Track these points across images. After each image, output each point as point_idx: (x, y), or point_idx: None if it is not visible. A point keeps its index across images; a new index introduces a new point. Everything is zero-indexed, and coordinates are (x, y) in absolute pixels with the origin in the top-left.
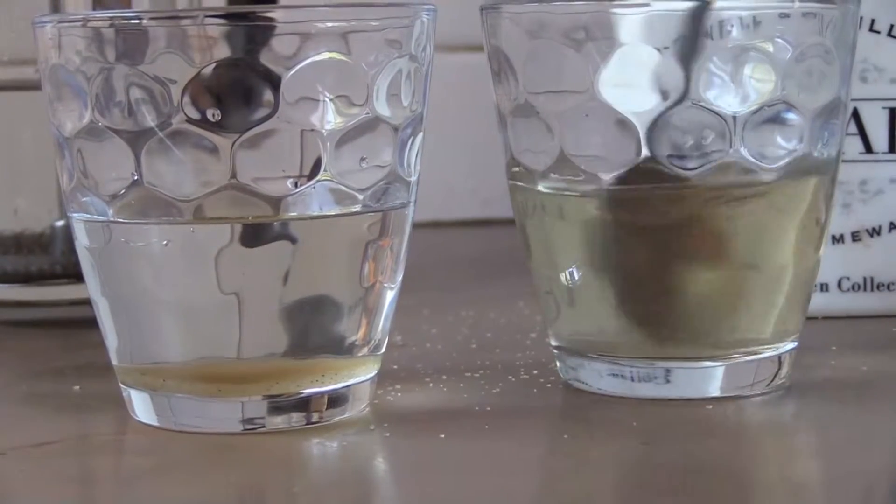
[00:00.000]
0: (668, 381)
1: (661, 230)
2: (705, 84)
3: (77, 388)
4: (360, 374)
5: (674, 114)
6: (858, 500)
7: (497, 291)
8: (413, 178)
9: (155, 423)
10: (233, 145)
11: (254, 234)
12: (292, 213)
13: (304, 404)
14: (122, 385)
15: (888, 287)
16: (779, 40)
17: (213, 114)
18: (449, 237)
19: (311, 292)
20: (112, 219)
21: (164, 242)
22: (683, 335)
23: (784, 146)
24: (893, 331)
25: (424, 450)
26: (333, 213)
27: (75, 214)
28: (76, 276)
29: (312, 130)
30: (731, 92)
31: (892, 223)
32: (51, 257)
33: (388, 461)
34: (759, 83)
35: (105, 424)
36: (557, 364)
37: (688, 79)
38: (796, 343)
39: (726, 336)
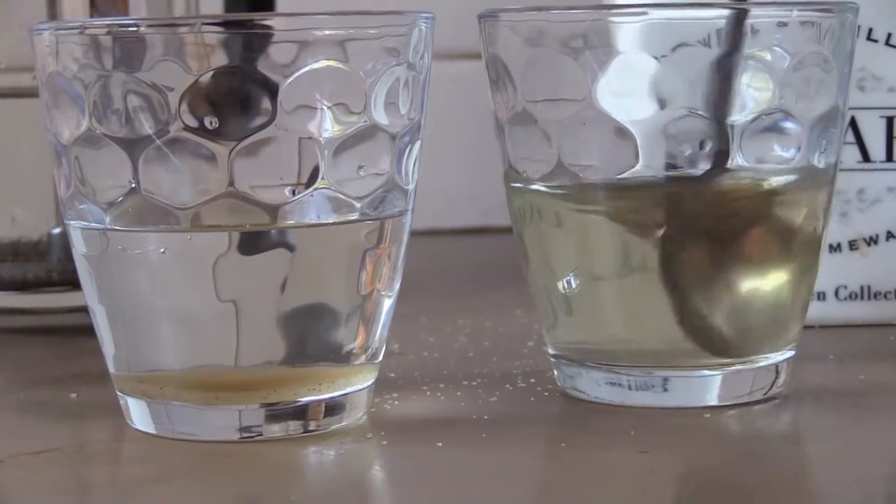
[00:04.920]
0: (665, 390)
1: (658, 239)
2: (703, 92)
3: (74, 395)
4: (357, 383)
5: (672, 122)
6: None
7: (495, 300)
8: (411, 186)
9: (152, 431)
10: (230, 153)
11: (251, 242)
12: (290, 221)
13: (301, 412)
14: (119, 393)
15: (885, 296)
16: (776, 49)
17: (210, 121)
18: (446, 245)
19: (309, 300)
20: (109, 226)
21: (162, 250)
22: (681, 343)
23: (782, 155)
24: (891, 340)
25: (422, 458)
26: (331, 221)
27: (72, 222)
28: (73, 284)
29: (310, 138)
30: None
31: (889, 232)
32: (47, 265)
33: (386, 469)
34: (756, 92)
35: (102, 432)
36: (555, 372)
37: (730, 91)
38: (794, 352)
39: (718, 347)
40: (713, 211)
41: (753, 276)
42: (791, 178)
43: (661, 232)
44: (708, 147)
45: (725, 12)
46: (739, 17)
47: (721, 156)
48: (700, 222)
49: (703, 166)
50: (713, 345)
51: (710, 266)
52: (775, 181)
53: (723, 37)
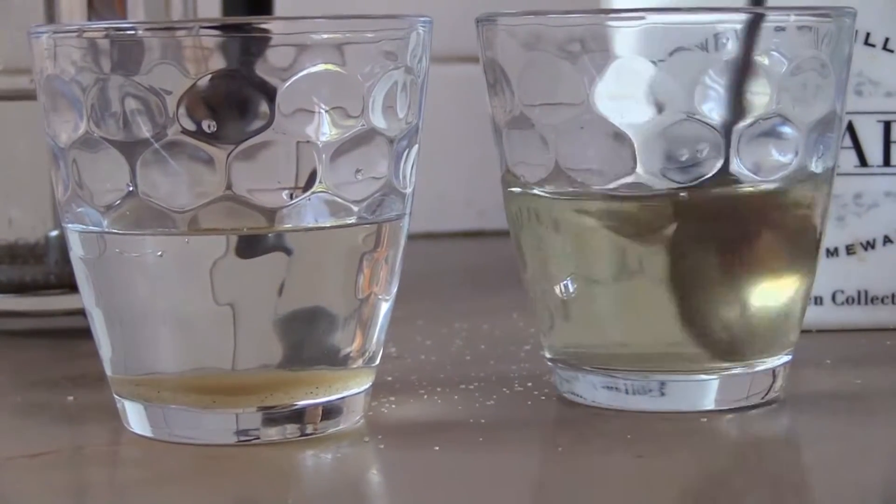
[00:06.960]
0: (662, 394)
1: (656, 243)
2: (700, 97)
3: (71, 398)
4: (354, 386)
5: (669, 127)
6: None
7: (491, 303)
8: (408, 190)
9: (149, 435)
10: (228, 156)
11: (249, 246)
12: (287, 225)
13: (298, 416)
14: (116, 396)
15: (882, 301)
16: (774, 53)
17: (208, 125)
18: (444, 248)
19: (306, 304)
20: (107, 229)
21: (159, 253)
22: (678, 347)
23: (779, 159)
24: (887, 344)
25: (419, 462)
26: (328, 225)
27: (70, 225)
28: (70, 286)
29: (308, 142)
30: (727, 105)
31: (886, 237)
32: (45, 267)
33: (383, 473)
34: (754, 96)
35: (99, 435)
36: (552, 376)
37: (741, 97)
38: (791, 356)
39: (720, 349)
40: (709, 216)
41: (756, 280)
42: (788, 183)
43: (665, 237)
44: (705, 151)
45: (723, 16)
46: (755, 22)
47: (724, 162)
48: (706, 228)
49: (702, 171)
50: (716, 348)
51: (715, 271)
52: (772, 186)
53: (737, 41)
